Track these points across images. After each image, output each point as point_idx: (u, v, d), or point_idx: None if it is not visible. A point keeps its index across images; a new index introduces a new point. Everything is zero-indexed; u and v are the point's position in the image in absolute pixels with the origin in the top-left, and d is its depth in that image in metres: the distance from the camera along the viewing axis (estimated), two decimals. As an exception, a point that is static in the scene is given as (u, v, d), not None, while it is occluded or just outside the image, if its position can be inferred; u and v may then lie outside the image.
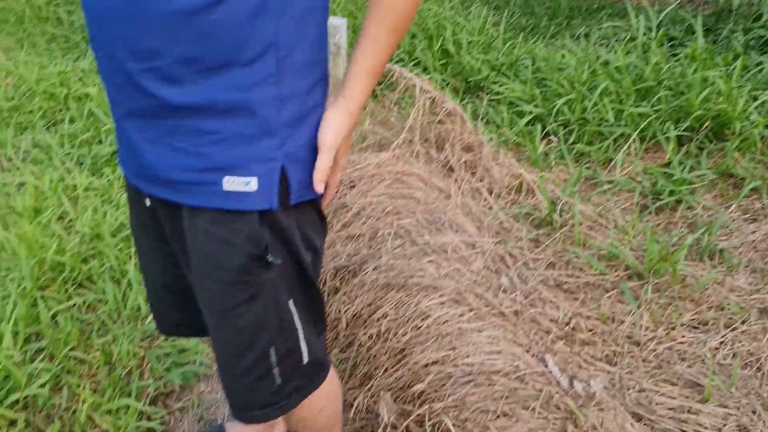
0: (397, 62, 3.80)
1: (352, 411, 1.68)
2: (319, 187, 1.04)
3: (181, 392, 1.90)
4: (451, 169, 2.57)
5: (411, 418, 1.51)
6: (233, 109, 0.95)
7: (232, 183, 0.97)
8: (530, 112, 3.19)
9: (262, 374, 1.15)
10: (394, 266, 1.95)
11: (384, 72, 3.35)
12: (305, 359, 1.18)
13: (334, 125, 1.04)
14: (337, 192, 2.48)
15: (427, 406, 1.52)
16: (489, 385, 1.53)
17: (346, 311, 1.95)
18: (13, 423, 1.72)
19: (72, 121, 3.46)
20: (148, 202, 1.12)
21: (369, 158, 2.49)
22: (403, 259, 1.97)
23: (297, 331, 1.15)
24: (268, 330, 1.11)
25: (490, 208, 2.40)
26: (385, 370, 1.72)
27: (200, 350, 2.00)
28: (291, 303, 1.12)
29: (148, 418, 1.78)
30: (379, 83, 3.33)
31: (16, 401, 1.77)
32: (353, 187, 2.39)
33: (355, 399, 1.72)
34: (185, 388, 1.91)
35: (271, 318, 1.10)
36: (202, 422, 1.81)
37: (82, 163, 3.09)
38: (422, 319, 1.75)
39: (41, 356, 1.93)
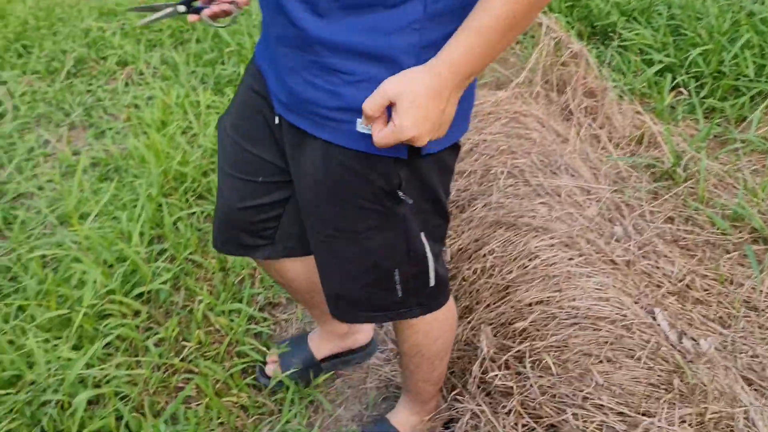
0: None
1: (451, 340, 1.70)
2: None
3: (287, 305, 1.99)
4: (571, 114, 2.48)
5: (510, 353, 1.51)
6: (370, 53, 0.93)
7: (364, 126, 0.96)
8: (660, 62, 3.01)
9: (386, 288, 1.18)
10: (505, 205, 1.92)
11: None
12: (431, 283, 1.21)
13: (402, 76, 0.89)
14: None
15: (527, 344, 1.52)
16: (594, 330, 1.51)
17: (451, 245, 1.95)
18: (137, 313, 1.86)
19: (198, 41, 3.59)
20: (277, 120, 1.14)
21: (486, 96, 2.44)
22: (515, 198, 1.94)
23: (427, 260, 1.17)
24: (396, 256, 1.14)
25: (609, 156, 2.31)
26: (487, 305, 1.72)
27: (307, 268, 2.07)
28: (423, 235, 1.13)
29: (257, 323, 1.88)
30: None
31: (141, 294, 1.91)
32: (468, 123, 2.36)
33: (453, 330, 1.74)
34: (291, 301, 1.99)
35: (400, 246, 1.13)
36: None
37: (205, 82, 3.21)
38: (529, 259, 1.73)
39: (163, 257, 2.06)
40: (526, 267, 1.72)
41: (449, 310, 1.35)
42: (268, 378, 1.70)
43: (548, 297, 1.61)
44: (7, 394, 1.56)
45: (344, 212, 1.09)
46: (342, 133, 1.00)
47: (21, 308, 1.85)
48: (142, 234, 2.09)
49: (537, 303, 1.62)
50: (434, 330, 1.34)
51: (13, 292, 1.94)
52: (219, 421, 1.60)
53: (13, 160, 2.66)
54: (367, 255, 1.14)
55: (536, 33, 2.68)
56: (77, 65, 3.46)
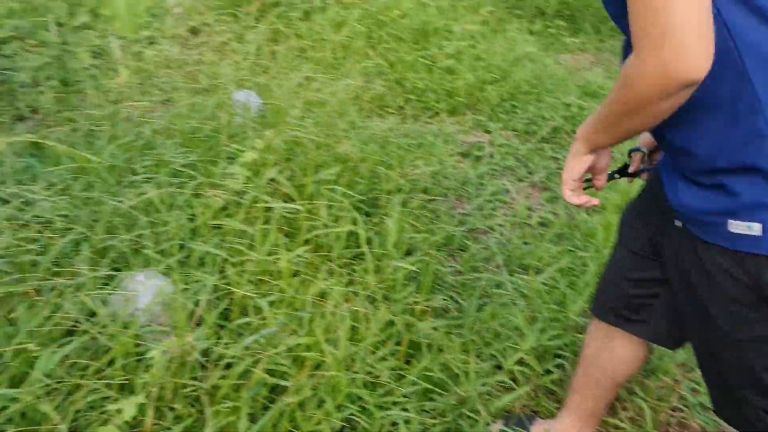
0: None
1: None
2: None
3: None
4: None
5: None
6: (738, 166, 1.01)
7: (736, 226, 1.03)
8: None
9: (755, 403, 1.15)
10: None
11: None
12: None
13: None
14: None
15: None
16: None
17: None
18: (548, 372, 1.99)
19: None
20: (679, 224, 1.18)
21: None
22: None
23: None
24: None
25: None
26: None
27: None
28: None
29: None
30: None
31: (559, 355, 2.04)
32: None
33: None
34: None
35: None
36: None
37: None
38: None
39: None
40: None
41: None
42: None
43: None
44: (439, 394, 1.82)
45: (719, 314, 1.11)
46: (717, 234, 1.06)
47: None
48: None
49: None
50: None
51: (457, 313, 2.24)
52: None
53: (479, 197, 3.07)
54: (743, 364, 1.13)
55: None
56: (551, 133, 3.81)
